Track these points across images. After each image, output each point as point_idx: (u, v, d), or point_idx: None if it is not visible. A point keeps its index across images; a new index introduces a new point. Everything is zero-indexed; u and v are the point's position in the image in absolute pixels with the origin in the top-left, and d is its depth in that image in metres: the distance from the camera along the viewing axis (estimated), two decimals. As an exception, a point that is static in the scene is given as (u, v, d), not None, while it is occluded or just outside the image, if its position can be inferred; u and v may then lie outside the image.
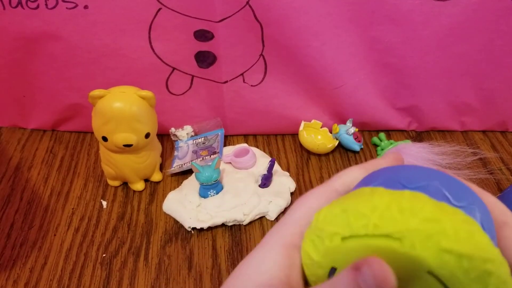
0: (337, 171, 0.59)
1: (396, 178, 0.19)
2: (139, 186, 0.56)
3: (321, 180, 0.59)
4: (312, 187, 0.57)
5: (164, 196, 0.55)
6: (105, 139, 0.50)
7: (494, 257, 0.16)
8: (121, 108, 0.48)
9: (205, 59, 0.57)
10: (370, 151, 0.63)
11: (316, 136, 0.61)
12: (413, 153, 0.57)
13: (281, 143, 0.65)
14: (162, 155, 0.61)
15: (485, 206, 0.19)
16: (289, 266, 0.20)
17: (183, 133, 0.63)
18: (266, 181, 0.54)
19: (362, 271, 0.15)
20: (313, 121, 0.63)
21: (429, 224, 0.16)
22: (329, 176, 0.59)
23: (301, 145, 0.63)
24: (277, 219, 0.53)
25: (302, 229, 0.20)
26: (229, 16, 0.52)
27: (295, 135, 0.65)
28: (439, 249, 0.15)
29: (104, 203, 0.55)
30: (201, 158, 0.59)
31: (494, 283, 0.16)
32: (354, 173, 0.23)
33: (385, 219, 0.16)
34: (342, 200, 0.19)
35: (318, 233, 0.18)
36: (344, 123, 0.63)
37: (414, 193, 0.17)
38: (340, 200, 0.19)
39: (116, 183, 0.57)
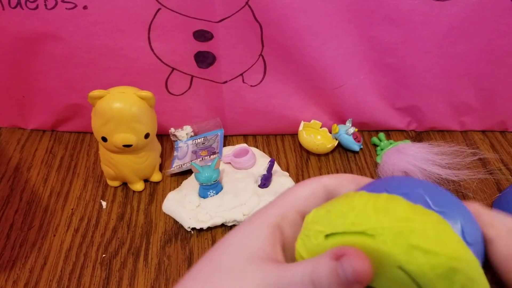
0: (337, 171, 0.60)
1: (383, 186, 0.21)
2: (138, 186, 0.56)
3: (321, 180, 0.59)
4: (311, 187, 0.58)
5: (163, 196, 0.55)
6: (104, 139, 0.50)
7: (461, 256, 0.17)
8: (121, 109, 0.48)
9: (204, 59, 0.57)
10: (369, 151, 0.63)
11: (315, 136, 0.61)
12: (413, 153, 0.57)
13: (281, 143, 0.65)
14: (161, 156, 0.61)
15: (469, 214, 0.20)
16: (273, 243, 0.21)
17: (183, 133, 0.63)
18: (265, 181, 0.54)
19: (342, 262, 0.17)
20: (312, 121, 0.63)
21: (401, 223, 0.17)
22: (329, 176, 0.59)
23: (300, 145, 0.63)
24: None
25: (284, 212, 0.22)
26: (229, 16, 0.52)
27: (294, 135, 0.65)
28: (408, 245, 0.17)
29: (104, 204, 0.55)
30: (200, 158, 0.59)
31: (460, 280, 0.16)
32: (342, 175, 0.24)
33: (361, 217, 0.18)
34: (329, 203, 0.21)
35: (307, 232, 0.20)
36: (344, 123, 0.63)
37: (391, 195, 0.19)
38: (327, 203, 0.21)
39: (115, 183, 0.57)
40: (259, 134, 0.66)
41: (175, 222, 0.53)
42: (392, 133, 0.66)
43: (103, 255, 0.49)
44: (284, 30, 0.53)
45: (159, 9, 0.52)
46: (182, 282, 0.20)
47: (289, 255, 0.22)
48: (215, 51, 0.56)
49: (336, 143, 0.61)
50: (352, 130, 0.61)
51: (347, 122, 0.62)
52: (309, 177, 0.59)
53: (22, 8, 0.51)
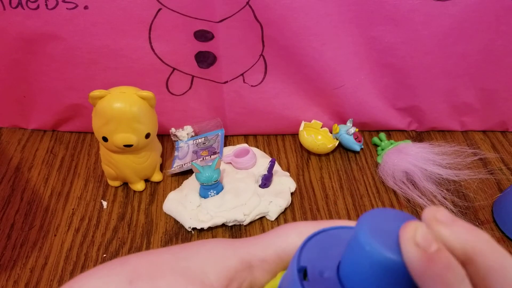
0: (337, 171, 0.60)
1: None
2: (139, 186, 0.56)
3: (321, 180, 0.59)
4: (312, 187, 0.58)
5: (164, 196, 0.55)
6: (105, 139, 0.50)
7: None
8: (121, 109, 0.48)
9: (205, 59, 0.57)
10: (370, 151, 0.63)
11: (316, 136, 0.61)
12: (414, 153, 0.57)
13: (281, 143, 0.65)
14: (162, 156, 0.61)
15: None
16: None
17: (183, 133, 0.63)
18: (266, 181, 0.54)
19: None
20: (313, 121, 0.63)
21: None
22: (330, 177, 0.59)
23: (301, 145, 0.63)
24: (277, 219, 0.53)
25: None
26: (229, 17, 0.52)
27: (295, 135, 0.65)
28: None
29: (105, 204, 0.55)
30: (201, 158, 0.59)
31: None
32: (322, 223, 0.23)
33: None
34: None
35: None
36: (344, 123, 0.63)
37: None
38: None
39: (116, 183, 0.57)
40: (259, 134, 0.66)
41: (176, 222, 0.53)
42: (392, 133, 0.66)
43: (104, 255, 0.49)
44: (285, 30, 0.53)
45: (159, 9, 0.52)
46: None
47: None
48: (216, 51, 0.56)
49: (336, 143, 0.61)
50: (352, 130, 0.61)
51: (348, 122, 0.62)
52: (309, 177, 0.59)
53: (23, 8, 0.51)
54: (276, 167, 0.58)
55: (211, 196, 0.53)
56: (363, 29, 0.55)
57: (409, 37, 0.55)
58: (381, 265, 0.15)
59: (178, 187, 0.57)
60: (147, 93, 0.49)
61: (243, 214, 0.51)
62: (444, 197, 0.55)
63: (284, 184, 0.56)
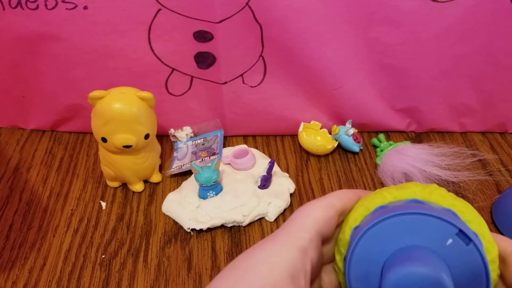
0: (336, 172, 0.60)
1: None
2: (138, 187, 0.56)
3: (321, 181, 0.59)
4: (311, 188, 0.58)
5: (163, 197, 0.55)
6: (104, 140, 0.50)
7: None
8: (121, 109, 0.48)
9: (204, 60, 0.57)
10: (369, 152, 0.63)
11: (315, 137, 0.61)
12: (413, 154, 0.57)
13: (281, 144, 0.65)
14: (161, 156, 0.60)
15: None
16: (300, 269, 0.21)
17: (183, 134, 0.63)
18: (265, 182, 0.54)
19: None
20: (312, 122, 0.63)
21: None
22: (329, 178, 0.59)
23: (300, 146, 0.63)
24: (276, 220, 0.53)
25: (311, 237, 0.22)
26: (229, 17, 0.52)
27: (294, 136, 0.65)
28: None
29: (103, 204, 0.55)
30: (200, 159, 0.59)
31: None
32: (344, 193, 0.25)
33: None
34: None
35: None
36: (344, 124, 0.63)
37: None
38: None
39: (115, 184, 0.57)
40: (259, 135, 0.66)
41: (175, 223, 0.53)
42: (392, 134, 0.66)
43: (103, 256, 0.49)
44: (284, 31, 0.53)
45: (159, 10, 0.52)
46: None
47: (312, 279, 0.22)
48: (215, 52, 0.56)
49: (336, 144, 0.61)
50: (352, 131, 0.61)
51: (347, 123, 0.62)
52: (308, 178, 0.59)
53: (23, 8, 0.51)
54: (275, 168, 0.58)
55: (210, 197, 0.53)
56: (362, 30, 0.55)
57: (408, 38, 0.55)
58: None
59: (177, 188, 0.57)
60: (146, 94, 0.49)
61: (242, 215, 0.51)
62: (443, 199, 0.54)
63: (283, 185, 0.56)
